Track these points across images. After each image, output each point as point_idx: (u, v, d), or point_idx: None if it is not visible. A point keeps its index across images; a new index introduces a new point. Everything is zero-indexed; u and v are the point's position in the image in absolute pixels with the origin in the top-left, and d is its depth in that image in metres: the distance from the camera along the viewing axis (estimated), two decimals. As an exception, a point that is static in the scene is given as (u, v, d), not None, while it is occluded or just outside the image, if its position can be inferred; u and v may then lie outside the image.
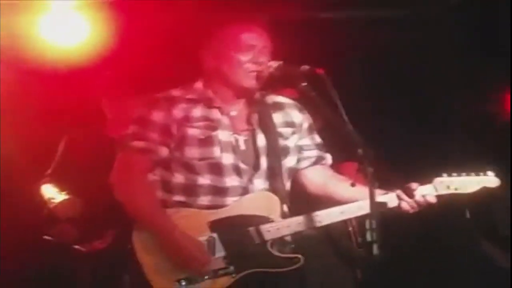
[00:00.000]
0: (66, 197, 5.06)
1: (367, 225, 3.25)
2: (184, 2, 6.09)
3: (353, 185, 3.78)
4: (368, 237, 3.24)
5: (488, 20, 6.34)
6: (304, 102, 4.02)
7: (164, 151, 3.81)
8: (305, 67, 3.66)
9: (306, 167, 4.06)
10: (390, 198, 3.82)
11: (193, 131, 3.80)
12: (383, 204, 3.48)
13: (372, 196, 3.27)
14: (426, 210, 3.85)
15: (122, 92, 5.23)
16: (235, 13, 5.31)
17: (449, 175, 3.86)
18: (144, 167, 3.82)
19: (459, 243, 6.20)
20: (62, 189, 5.10)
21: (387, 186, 3.80)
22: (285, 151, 3.95)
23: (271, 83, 3.88)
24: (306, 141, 4.04)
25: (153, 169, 3.85)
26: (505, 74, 6.47)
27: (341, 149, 4.07)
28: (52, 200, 5.07)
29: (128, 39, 6.06)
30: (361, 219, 3.73)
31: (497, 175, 3.89)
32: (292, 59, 3.82)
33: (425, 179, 3.86)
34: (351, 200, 3.83)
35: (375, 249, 3.20)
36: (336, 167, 4.19)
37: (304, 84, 3.64)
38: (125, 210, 3.80)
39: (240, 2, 5.67)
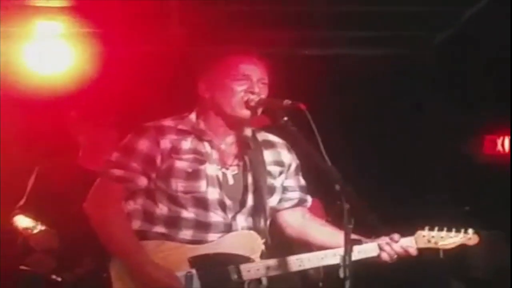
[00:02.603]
0: (41, 228, 5.04)
1: (341, 262, 3.25)
2: (175, 33, 6.14)
3: (328, 221, 3.79)
4: (341, 273, 3.24)
5: (468, 63, 6.42)
6: (284, 135, 4.04)
7: (142, 181, 3.78)
8: (288, 102, 3.64)
9: (286, 209, 4.06)
10: (370, 248, 3.85)
11: (180, 164, 3.77)
12: (358, 241, 3.50)
13: (347, 234, 3.26)
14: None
15: (100, 122, 5.23)
16: (226, 45, 5.39)
17: (431, 229, 3.93)
18: (119, 196, 3.79)
19: (431, 282, 6.22)
20: (36, 219, 5.07)
21: (366, 231, 3.81)
22: (271, 190, 3.94)
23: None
24: (291, 182, 4.04)
25: (132, 198, 3.82)
26: (486, 117, 6.54)
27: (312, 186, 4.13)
28: (27, 231, 5.05)
29: (114, 69, 6.09)
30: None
31: (476, 233, 3.95)
32: (274, 93, 3.84)
33: (406, 231, 3.91)
34: (328, 244, 3.85)
35: (347, 286, 3.20)
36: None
37: (285, 118, 3.64)
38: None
39: (224, 36, 5.76)
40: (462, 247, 3.95)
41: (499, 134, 6.86)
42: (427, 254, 3.94)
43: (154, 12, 5.73)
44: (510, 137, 6.71)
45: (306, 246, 4.05)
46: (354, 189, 3.33)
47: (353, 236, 3.32)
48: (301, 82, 6.03)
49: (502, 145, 6.81)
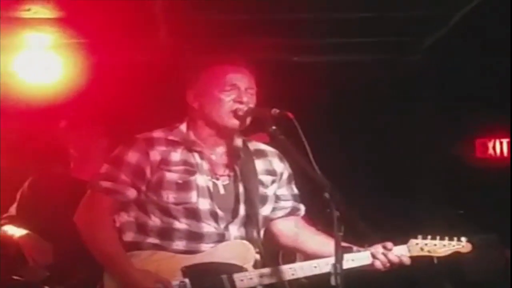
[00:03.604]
0: (36, 238, 5.03)
1: (332, 270, 3.26)
2: (163, 43, 6.15)
3: (318, 229, 3.80)
4: (333, 281, 3.25)
5: (458, 66, 6.42)
6: (274, 146, 4.04)
7: (131, 193, 3.79)
8: (276, 110, 3.66)
9: (280, 217, 4.07)
10: (364, 256, 3.87)
11: (170, 175, 3.79)
12: (348, 248, 3.50)
13: (337, 242, 3.27)
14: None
15: (90, 132, 5.23)
16: (214, 53, 5.39)
17: (424, 237, 3.93)
18: (108, 208, 3.80)
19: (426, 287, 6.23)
20: (30, 230, 5.07)
21: (359, 240, 3.84)
22: (264, 200, 3.96)
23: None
24: (283, 191, 4.05)
25: (124, 210, 3.84)
26: (477, 120, 6.54)
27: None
28: (22, 240, 5.04)
29: (103, 79, 6.09)
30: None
31: (469, 241, 3.96)
32: (262, 102, 3.85)
33: (399, 236, 3.93)
34: (321, 253, 3.85)
35: (339, 293, 3.22)
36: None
37: (274, 127, 3.65)
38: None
39: (212, 44, 5.76)
40: (455, 255, 3.96)
41: (490, 137, 6.86)
42: (421, 260, 3.94)
43: (142, 21, 5.72)
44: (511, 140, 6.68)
45: (301, 255, 4.06)
46: (345, 195, 3.34)
47: (344, 244, 3.33)
48: (291, 89, 6.04)
49: (494, 148, 6.81)
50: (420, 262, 3.95)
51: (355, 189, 4.51)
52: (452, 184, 6.64)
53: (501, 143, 6.80)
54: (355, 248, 3.85)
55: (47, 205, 5.06)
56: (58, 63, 6.15)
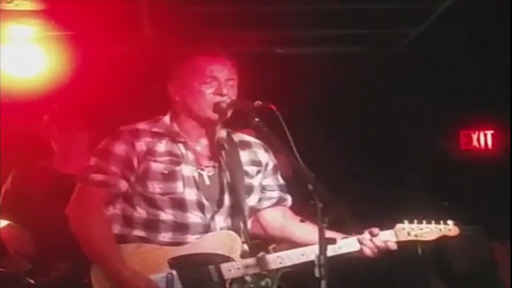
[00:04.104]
0: (16, 228, 5.01)
1: (316, 261, 3.24)
2: (146, 35, 6.13)
3: (302, 221, 3.80)
4: (317, 273, 3.23)
5: (442, 59, 6.44)
6: (259, 138, 4.04)
7: (123, 185, 3.78)
8: (258, 103, 3.66)
9: (266, 208, 4.08)
10: (351, 242, 3.86)
11: (156, 166, 3.78)
12: (332, 240, 3.50)
13: (321, 233, 3.25)
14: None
15: (71, 126, 5.20)
16: (197, 46, 5.38)
17: (410, 222, 3.92)
18: (102, 201, 3.79)
19: (410, 280, 6.24)
20: (11, 221, 5.05)
21: (346, 228, 3.84)
22: (249, 190, 3.96)
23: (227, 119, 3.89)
24: (269, 181, 4.06)
25: (111, 202, 3.83)
26: (462, 112, 6.55)
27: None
28: (0, 230, 5.02)
29: (86, 72, 6.07)
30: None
31: (456, 224, 3.95)
32: (245, 94, 3.85)
33: (385, 225, 3.91)
34: (308, 242, 3.82)
35: (323, 285, 3.20)
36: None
37: (257, 119, 3.64)
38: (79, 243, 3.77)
39: (195, 37, 5.75)
40: (442, 239, 3.94)
41: (474, 129, 6.88)
42: (407, 252, 3.93)
43: (125, 14, 5.71)
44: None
45: (288, 244, 4.06)
46: (330, 186, 3.33)
47: (328, 235, 3.32)
48: (274, 81, 6.04)
49: (478, 140, 6.83)
50: (405, 254, 3.94)
51: (338, 181, 4.50)
52: (437, 176, 6.66)
53: (485, 135, 6.83)
54: (339, 238, 3.81)
55: (30, 199, 5.05)
56: (40, 56, 6.13)
